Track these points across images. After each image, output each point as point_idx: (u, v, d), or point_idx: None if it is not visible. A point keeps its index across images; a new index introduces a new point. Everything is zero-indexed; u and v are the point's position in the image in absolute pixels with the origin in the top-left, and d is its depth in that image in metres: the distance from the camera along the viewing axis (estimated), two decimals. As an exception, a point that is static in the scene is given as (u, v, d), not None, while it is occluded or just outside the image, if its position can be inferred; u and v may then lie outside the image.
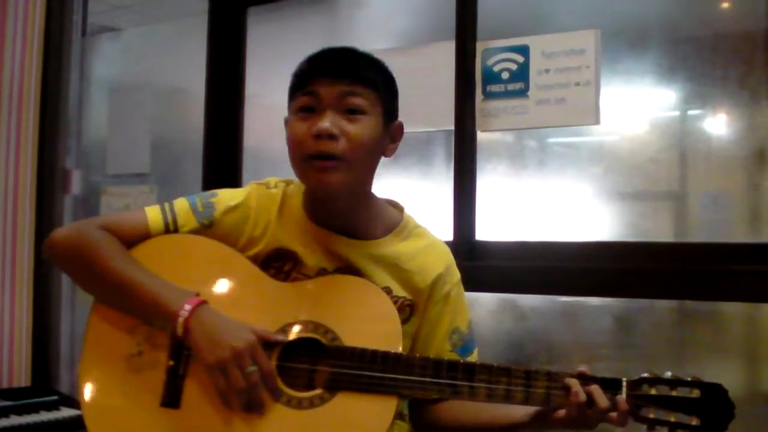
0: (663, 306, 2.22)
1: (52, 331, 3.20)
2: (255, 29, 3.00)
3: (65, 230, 1.51)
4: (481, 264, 2.37)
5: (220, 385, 1.36)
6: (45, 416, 2.62)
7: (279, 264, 1.50)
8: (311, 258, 1.50)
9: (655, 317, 2.25)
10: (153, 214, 1.51)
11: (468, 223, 2.43)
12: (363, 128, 1.43)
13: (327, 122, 1.40)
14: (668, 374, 1.35)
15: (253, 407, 1.37)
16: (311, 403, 1.38)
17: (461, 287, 1.61)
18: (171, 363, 1.42)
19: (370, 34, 2.75)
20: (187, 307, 1.38)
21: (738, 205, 2.16)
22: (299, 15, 2.89)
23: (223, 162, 2.99)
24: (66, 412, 2.67)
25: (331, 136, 1.40)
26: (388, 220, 1.57)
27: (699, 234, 2.21)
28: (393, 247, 1.54)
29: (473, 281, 2.34)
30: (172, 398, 1.41)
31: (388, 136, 1.51)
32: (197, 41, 3.02)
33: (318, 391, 1.39)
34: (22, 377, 3.06)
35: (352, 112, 1.42)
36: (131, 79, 3.30)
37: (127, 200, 3.20)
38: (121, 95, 3.31)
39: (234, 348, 1.35)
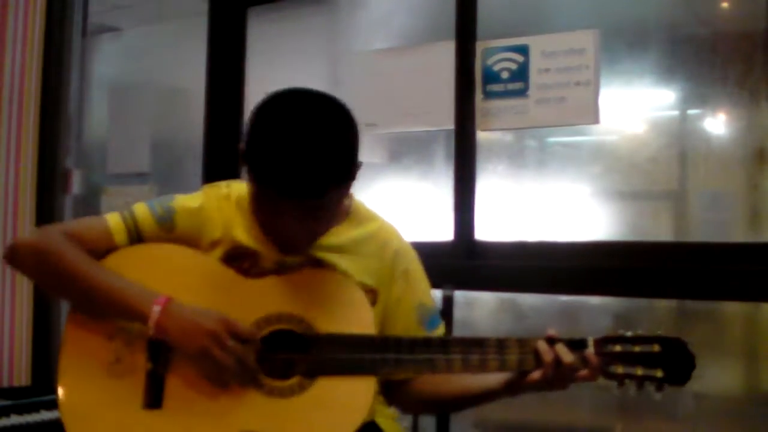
0: (662, 305, 2.22)
1: (52, 330, 3.20)
2: (255, 29, 3.01)
3: (28, 237, 1.54)
4: (481, 263, 2.38)
5: (210, 370, 1.39)
6: (45, 415, 2.61)
7: (238, 263, 1.51)
8: (269, 253, 1.51)
9: (654, 317, 2.25)
10: (114, 222, 1.50)
11: (468, 222, 2.44)
12: (331, 217, 1.47)
13: (296, 239, 1.45)
14: (629, 333, 1.41)
15: (249, 379, 1.40)
16: (292, 391, 1.41)
17: (418, 262, 1.64)
18: (150, 365, 1.44)
19: (370, 34, 2.75)
20: (156, 308, 1.39)
21: (737, 205, 2.17)
22: (299, 15, 2.89)
23: (223, 162, 2.99)
24: (66, 412, 2.67)
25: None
26: (341, 208, 1.57)
27: (698, 233, 2.22)
28: (348, 234, 1.56)
29: (473, 281, 2.35)
30: (154, 399, 1.42)
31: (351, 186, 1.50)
32: (197, 41, 3.03)
33: (297, 379, 1.41)
34: (22, 376, 3.06)
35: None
36: (131, 78, 3.30)
37: (127, 200, 3.19)
38: (121, 95, 3.32)
39: (208, 330, 1.38)
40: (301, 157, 1.33)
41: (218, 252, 1.51)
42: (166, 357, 1.43)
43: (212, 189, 1.57)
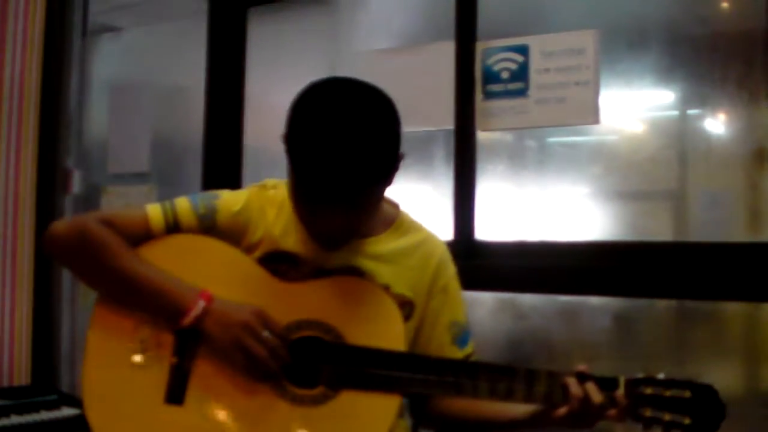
0: (662, 305, 2.22)
1: (52, 330, 3.20)
2: (255, 29, 3.01)
3: (65, 224, 1.50)
4: (481, 263, 2.37)
5: (241, 361, 1.39)
6: (45, 415, 2.62)
7: (275, 265, 1.50)
8: (310, 257, 1.50)
9: (654, 317, 2.25)
10: (154, 213, 1.49)
11: (468, 222, 2.44)
12: (370, 212, 1.44)
13: (333, 233, 1.43)
14: (661, 375, 1.38)
15: (279, 373, 1.40)
16: (315, 401, 1.40)
17: (457, 279, 1.62)
18: (175, 360, 1.43)
19: (370, 34, 2.75)
20: (201, 303, 1.40)
21: (737, 205, 2.17)
22: (299, 15, 2.89)
23: (223, 162, 3.00)
24: (66, 411, 2.67)
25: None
26: (385, 216, 1.57)
27: (698, 233, 2.21)
28: (391, 243, 1.55)
29: (473, 281, 2.34)
30: (176, 395, 1.42)
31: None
32: (197, 41, 3.03)
33: (322, 389, 1.41)
34: (22, 376, 3.06)
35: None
36: (132, 78, 3.30)
37: (127, 200, 3.21)
38: (121, 95, 3.32)
39: (242, 320, 1.39)
40: (332, 162, 1.30)
41: (257, 254, 1.50)
42: (192, 352, 1.43)
43: (259, 190, 1.55)
